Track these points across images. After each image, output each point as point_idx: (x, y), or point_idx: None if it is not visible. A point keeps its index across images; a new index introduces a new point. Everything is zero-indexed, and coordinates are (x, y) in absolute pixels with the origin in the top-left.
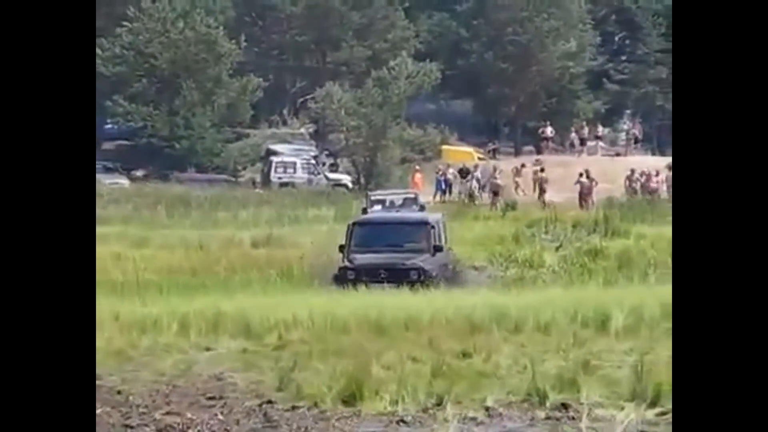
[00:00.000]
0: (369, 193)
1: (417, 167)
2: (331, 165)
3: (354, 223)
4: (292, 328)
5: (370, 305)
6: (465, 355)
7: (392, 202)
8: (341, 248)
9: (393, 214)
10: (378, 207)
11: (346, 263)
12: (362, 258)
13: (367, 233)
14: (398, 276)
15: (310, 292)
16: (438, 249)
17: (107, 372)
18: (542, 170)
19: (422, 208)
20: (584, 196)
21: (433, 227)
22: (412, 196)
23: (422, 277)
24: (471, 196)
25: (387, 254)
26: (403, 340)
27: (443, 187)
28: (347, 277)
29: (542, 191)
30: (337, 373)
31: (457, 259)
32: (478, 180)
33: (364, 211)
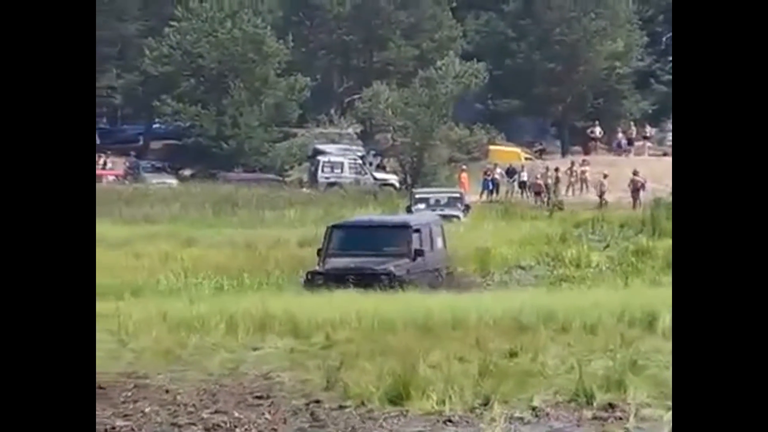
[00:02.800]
0: (413, 191)
1: (463, 167)
2: (378, 165)
3: (332, 227)
4: (339, 327)
5: (416, 305)
6: (512, 354)
7: (437, 201)
8: (319, 252)
9: (372, 218)
10: (422, 205)
11: (317, 268)
12: (335, 262)
13: (345, 237)
14: (368, 281)
15: (357, 292)
16: (419, 253)
17: (155, 371)
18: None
19: (467, 207)
20: (634, 194)
21: (416, 231)
22: (457, 195)
23: (392, 283)
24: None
25: (362, 258)
26: (449, 340)
27: (490, 187)
28: (315, 282)
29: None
30: (384, 372)
31: (452, 263)
32: (523, 181)
33: (408, 209)
